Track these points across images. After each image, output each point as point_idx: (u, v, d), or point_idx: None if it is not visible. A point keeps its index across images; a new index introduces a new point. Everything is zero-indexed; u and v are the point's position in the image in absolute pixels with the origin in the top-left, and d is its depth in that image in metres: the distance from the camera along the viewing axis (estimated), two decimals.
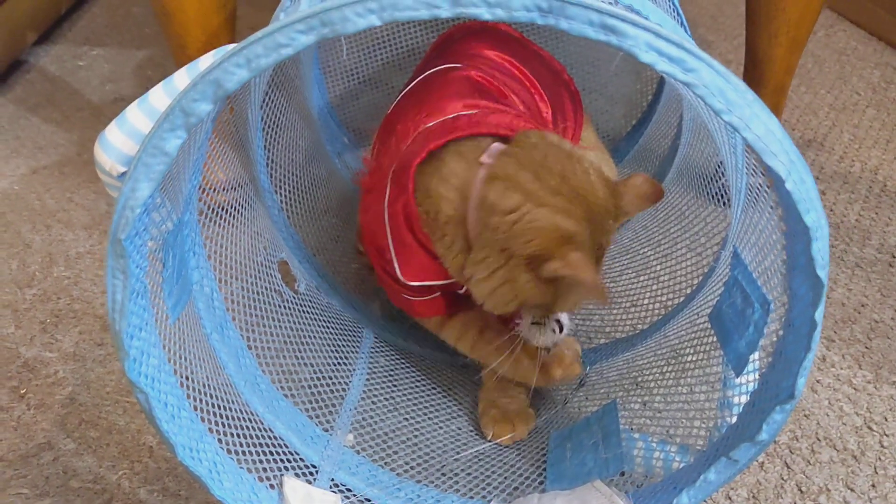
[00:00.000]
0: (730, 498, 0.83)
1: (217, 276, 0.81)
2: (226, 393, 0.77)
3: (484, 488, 0.82)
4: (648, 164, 1.24)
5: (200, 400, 0.71)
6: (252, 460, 0.75)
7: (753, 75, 1.18)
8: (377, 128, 0.94)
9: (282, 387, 0.86)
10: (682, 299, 0.96)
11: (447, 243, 0.75)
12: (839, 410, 0.93)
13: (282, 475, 0.76)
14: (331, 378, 0.92)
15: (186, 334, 0.72)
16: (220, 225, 0.83)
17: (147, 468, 0.86)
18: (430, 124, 0.79)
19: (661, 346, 0.91)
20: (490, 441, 0.88)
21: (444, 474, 0.84)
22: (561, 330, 0.84)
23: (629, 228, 1.15)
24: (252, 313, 0.86)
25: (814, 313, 0.56)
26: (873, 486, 0.84)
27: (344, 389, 0.92)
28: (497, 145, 0.74)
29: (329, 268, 1.06)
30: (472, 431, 0.91)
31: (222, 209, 0.84)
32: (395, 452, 0.86)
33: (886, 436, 0.89)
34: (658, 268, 1.04)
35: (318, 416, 0.87)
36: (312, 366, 0.91)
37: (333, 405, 0.89)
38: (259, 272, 0.91)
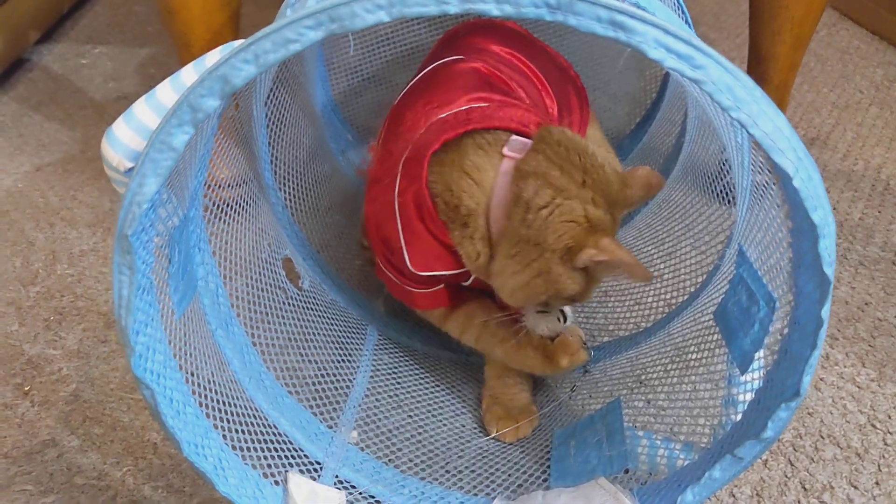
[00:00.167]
0: (734, 495, 0.83)
1: (222, 272, 0.81)
2: (231, 389, 0.77)
3: (488, 485, 0.82)
4: (652, 161, 1.23)
5: (205, 396, 0.71)
6: (257, 456, 0.75)
7: (757, 73, 1.18)
8: (381, 125, 0.94)
9: (286, 383, 0.86)
10: (686, 297, 0.96)
11: (468, 234, 0.76)
12: (843, 408, 0.93)
13: (286, 471, 0.76)
14: (335, 375, 0.92)
15: (192, 330, 0.72)
16: (224, 221, 0.83)
17: (151, 465, 0.86)
18: (444, 115, 0.79)
19: (665, 344, 0.91)
20: (494, 437, 0.88)
21: (448, 471, 0.84)
22: (565, 319, 0.84)
23: (633, 227, 1.15)
24: (256, 310, 0.86)
25: (820, 311, 0.56)
26: (877, 483, 0.84)
27: (348, 386, 0.92)
28: (516, 139, 0.76)
29: (333, 265, 1.06)
30: (475, 428, 0.91)
31: (227, 206, 0.84)
32: (399, 449, 0.86)
33: (890, 433, 0.89)
34: (662, 266, 1.04)
35: (322, 413, 0.87)
36: (316, 363, 0.91)
37: (337, 402, 0.89)
38: (263, 269, 0.91)
